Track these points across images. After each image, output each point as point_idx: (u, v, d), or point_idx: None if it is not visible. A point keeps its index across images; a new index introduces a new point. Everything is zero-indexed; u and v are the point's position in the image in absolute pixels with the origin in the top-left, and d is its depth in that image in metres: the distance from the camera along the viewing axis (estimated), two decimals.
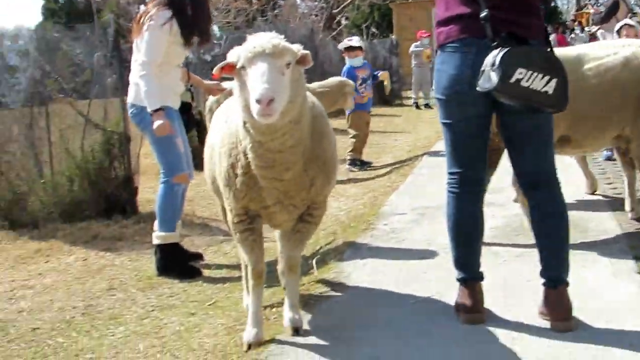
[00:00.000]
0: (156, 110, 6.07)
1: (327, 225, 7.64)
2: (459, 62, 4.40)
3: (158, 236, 6.44)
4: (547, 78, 4.17)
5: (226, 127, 4.54)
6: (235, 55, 4.08)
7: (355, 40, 12.82)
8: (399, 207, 8.23)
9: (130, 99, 6.47)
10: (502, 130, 4.65)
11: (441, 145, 12.40)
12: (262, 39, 4.02)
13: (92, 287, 6.21)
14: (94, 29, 9.27)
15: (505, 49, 4.13)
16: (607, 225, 6.84)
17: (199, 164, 5.13)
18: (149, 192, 8.97)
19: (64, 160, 8.72)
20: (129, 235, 7.83)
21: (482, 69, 4.20)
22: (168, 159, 6.38)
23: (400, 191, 9.25)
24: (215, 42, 17.00)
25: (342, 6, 32.84)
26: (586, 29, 30.53)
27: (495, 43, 4.21)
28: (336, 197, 9.24)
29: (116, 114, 8.75)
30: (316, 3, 29.97)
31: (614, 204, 7.65)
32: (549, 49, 4.44)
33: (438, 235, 6.69)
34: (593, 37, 30.58)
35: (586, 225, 6.76)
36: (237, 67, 4.04)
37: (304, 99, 4.21)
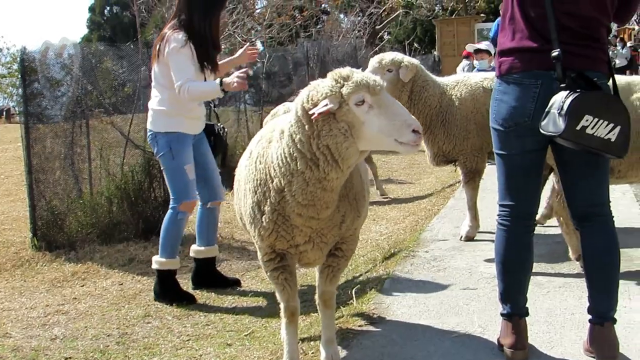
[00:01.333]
0: (220, 86, 5.96)
1: (368, 251, 7.55)
2: (522, 94, 4.27)
3: (157, 261, 6.43)
4: (611, 126, 4.04)
5: (250, 162, 4.36)
6: (335, 94, 3.77)
7: (483, 45, 12.90)
8: (440, 232, 8.12)
9: (148, 124, 6.43)
10: (557, 163, 4.53)
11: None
12: (364, 74, 3.88)
13: (127, 314, 6.14)
14: (138, 46, 9.27)
15: (575, 94, 3.99)
16: None
17: (229, 185, 5.04)
18: None
19: (104, 179, 8.70)
20: None
21: (548, 109, 4.09)
22: (176, 185, 6.33)
23: (442, 215, 9.14)
24: (258, 59, 16.97)
25: (385, 22, 32.83)
26: (628, 44, 30.40)
27: (564, 85, 4.09)
28: (377, 220, 9.16)
29: None
30: (359, 18, 29.91)
31: None
32: (614, 94, 4.29)
33: (479, 263, 6.67)
34: (635, 52, 30.48)
35: (631, 254, 6.60)
36: (351, 103, 3.77)
37: None
